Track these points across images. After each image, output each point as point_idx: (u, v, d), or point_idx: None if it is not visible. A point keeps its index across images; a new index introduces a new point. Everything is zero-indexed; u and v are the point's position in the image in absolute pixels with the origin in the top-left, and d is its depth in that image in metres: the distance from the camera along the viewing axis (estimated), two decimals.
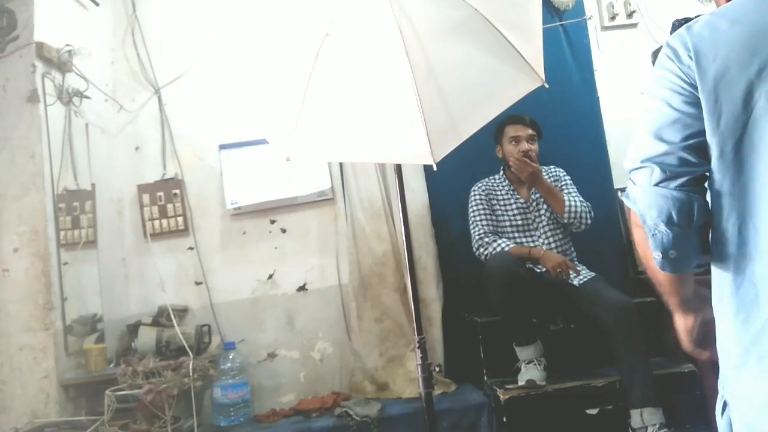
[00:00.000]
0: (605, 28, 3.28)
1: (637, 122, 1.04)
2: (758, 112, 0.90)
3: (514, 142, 2.72)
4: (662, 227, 0.95)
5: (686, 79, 0.96)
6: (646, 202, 0.97)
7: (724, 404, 0.98)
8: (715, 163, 0.94)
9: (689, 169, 0.95)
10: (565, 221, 2.65)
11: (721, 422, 0.99)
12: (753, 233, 0.91)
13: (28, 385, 2.33)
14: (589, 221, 2.66)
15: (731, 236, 0.94)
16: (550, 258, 2.53)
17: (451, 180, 2.88)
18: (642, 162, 0.98)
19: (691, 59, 0.95)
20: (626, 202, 1.02)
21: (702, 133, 0.95)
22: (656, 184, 0.96)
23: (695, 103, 0.95)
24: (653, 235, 0.97)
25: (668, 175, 0.95)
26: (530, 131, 2.72)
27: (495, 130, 2.76)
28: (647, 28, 3.23)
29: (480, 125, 1.81)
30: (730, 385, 0.97)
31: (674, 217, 0.94)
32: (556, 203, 2.66)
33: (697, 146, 0.95)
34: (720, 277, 0.98)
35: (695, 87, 0.95)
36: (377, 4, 1.66)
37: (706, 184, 0.98)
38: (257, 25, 1.84)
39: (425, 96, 1.68)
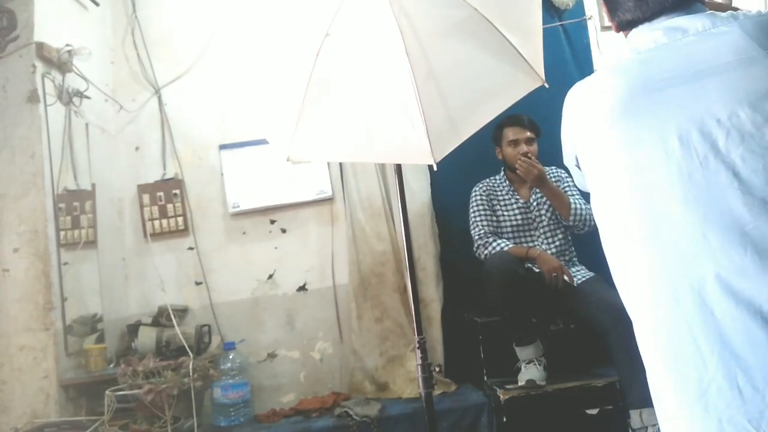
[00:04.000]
0: (605, 28, 3.26)
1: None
2: (616, 181, 1.03)
3: (512, 145, 2.71)
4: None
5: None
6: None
7: None
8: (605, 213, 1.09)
9: None
10: (570, 224, 2.65)
11: None
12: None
13: (28, 385, 2.33)
14: (592, 223, 2.65)
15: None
16: (545, 261, 2.51)
17: (452, 180, 2.88)
18: None
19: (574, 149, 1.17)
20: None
21: None
22: None
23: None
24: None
25: None
26: (528, 133, 2.71)
27: (493, 132, 2.75)
28: None
29: (480, 125, 1.81)
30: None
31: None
32: (561, 206, 2.65)
33: None
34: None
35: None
36: (378, 5, 1.66)
37: None
38: (257, 25, 1.84)
39: (425, 96, 1.67)
